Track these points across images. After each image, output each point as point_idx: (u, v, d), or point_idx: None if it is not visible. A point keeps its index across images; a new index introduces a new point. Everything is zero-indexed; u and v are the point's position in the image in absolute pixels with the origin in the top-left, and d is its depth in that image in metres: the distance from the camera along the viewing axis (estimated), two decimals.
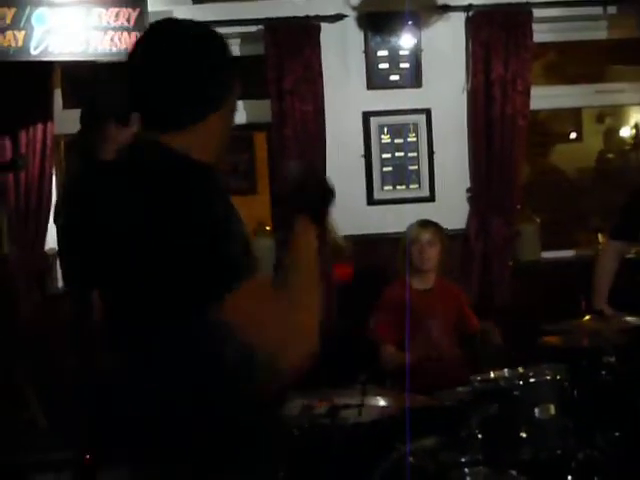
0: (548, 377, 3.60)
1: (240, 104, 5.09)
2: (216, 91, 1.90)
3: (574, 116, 7.61)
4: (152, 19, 4.61)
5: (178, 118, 1.87)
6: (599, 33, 5.27)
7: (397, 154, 5.11)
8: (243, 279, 1.70)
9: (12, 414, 4.47)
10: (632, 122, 7.41)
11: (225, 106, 1.92)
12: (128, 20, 4.61)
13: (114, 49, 4.60)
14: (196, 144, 1.87)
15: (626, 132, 7.50)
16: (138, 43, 1.93)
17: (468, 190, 5.11)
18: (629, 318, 3.97)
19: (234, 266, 1.72)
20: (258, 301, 1.74)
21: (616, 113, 7.53)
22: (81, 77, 5.27)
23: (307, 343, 1.79)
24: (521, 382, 3.56)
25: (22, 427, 4.52)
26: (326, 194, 2.05)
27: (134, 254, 1.78)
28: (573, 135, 7.95)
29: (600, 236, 5.06)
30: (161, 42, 1.90)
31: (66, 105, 5.05)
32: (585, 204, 7.01)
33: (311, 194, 2.03)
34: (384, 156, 5.07)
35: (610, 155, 7.82)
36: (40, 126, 4.83)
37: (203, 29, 1.96)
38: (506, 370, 3.69)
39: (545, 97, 5.31)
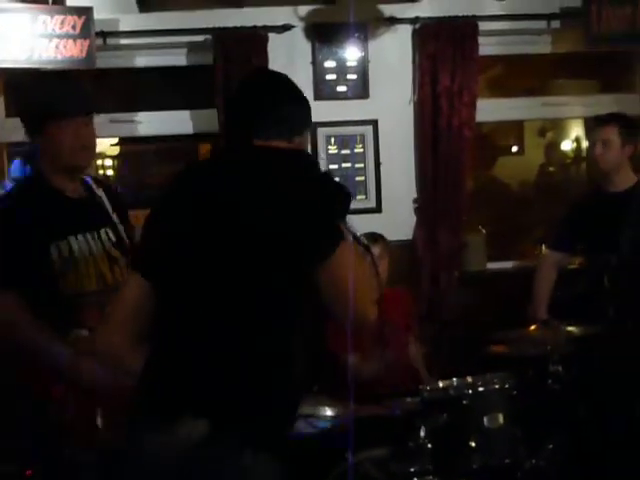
0: (497, 386, 3.62)
1: (186, 114, 5.10)
2: (307, 119, 2.42)
3: (516, 129, 7.69)
4: (98, 27, 4.66)
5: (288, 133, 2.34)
6: (543, 47, 5.33)
7: (344, 165, 5.13)
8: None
9: None
10: (573, 136, 7.51)
11: (305, 132, 2.42)
12: (74, 27, 4.56)
13: (59, 56, 4.55)
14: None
15: (567, 146, 7.60)
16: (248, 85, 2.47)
17: (415, 201, 5.13)
18: (571, 328, 3.98)
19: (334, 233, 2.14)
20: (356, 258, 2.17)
21: (557, 127, 7.62)
22: (24, 85, 5.19)
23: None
24: (470, 391, 3.58)
25: None
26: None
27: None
28: (515, 148, 8.04)
29: (543, 247, 5.10)
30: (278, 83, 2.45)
31: (9, 113, 4.97)
32: (528, 216, 7.07)
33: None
34: (331, 167, 5.05)
35: (551, 168, 7.91)
36: None
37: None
38: (455, 379, 3.66)
39: (490, 110, 5.35)
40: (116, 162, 7.42)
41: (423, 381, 4.00)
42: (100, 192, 3.21)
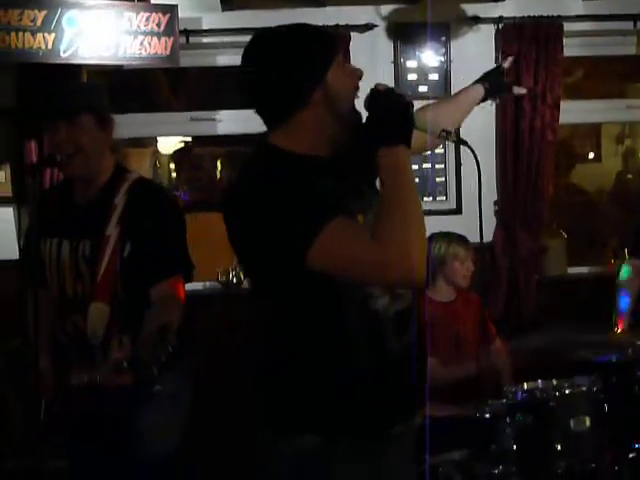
0: (584, 389, 3.63)
1: None
2: (294, 91, 2.11)
3: (594, 136, 7.58)
4: (182, 25, 4.69)
5: (268, 118, 2.19)
6: (629, 48, 5.27)
7: (424, 165, 5.09)
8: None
9: None
10: None
11: (313, 102, 2.11)
12: (158, 25, 4.58)
13: (143, 53, 4.58)
14: (292, 138, 2.15)
15: None
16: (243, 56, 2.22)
17: (495, 203, 5.07)
18: None
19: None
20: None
21: (635, 134, 7.51)
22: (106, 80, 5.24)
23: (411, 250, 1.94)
24: (557, 393, 3.57)
25: None
26: (407, 107, 2.11)
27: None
28: (592, 155, 7.95)
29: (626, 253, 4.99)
30: (249, 57, 2.18)
31: None
32: (604, 224, 6.98)
33: (397, 112, 2.09)
34: None
35: (629, 176, 7.79)
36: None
37: (282, 38, 2.17)
38: (540, 381, 3.67)
39: (572, 112, 5.27)
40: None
41: (505, 383, 3.93)
42: (122, 199, 2.98)
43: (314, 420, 2.19)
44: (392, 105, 2.10)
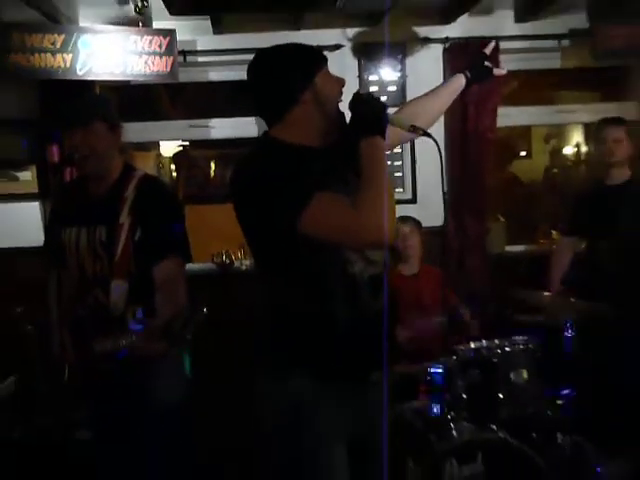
0: (521, 347, 3.65)
1: (252, 120, 5.13)
2: (288, 91, 2.24)
3: (525, 137, 7.69)
4: (180, 46, 4.72)
5: (268, 116, 2.32)
6: (554, 63, 5.29)
7: None
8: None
9: None
10: (574, 142, 7.51)
11: (304, 101, 2.24)
12: (160, 46, 4.62)
13: (147, 70, 4.61)
14: (288, 132, 2.26)
15: (569, 150, 7.60)
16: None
17: (445, 194, 5.06)
18: (578, 301, 4.01)
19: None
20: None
21: (560, 135, 7.62)
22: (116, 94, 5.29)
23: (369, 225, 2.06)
24: (499, 351, 3.61)
25: None
26: (382, 107, 2.23)
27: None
28: (524, 153, 8.05)
29: (554, 234, 5.13)
30: (254, 68, 2.29)
31: None
32: (537, 209, 7.07)
33: (374, 111, 2.21)
34: None
35: (555, 170, 7.91)
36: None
37: (277, 52, 2.30)
38: (484, 341, 3.70)
39: (508, 116, 5.31)
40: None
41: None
42: (131, 193, 2.99)
43: (304, 367, 2.25)
44: (370, 105, 2.21)
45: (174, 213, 3.06)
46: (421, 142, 4.99)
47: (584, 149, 7.37)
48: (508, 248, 5.49)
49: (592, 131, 4.45)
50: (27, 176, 4.95)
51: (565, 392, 3.87)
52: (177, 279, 2.90)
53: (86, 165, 2.99)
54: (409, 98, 4.97)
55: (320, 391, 2.24)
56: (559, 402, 3.80)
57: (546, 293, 4.20)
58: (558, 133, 7.63)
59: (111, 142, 3.02)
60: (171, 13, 4.26)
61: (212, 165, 7.71)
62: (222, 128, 5.22)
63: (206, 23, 4.85)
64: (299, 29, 4.95)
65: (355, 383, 2.32)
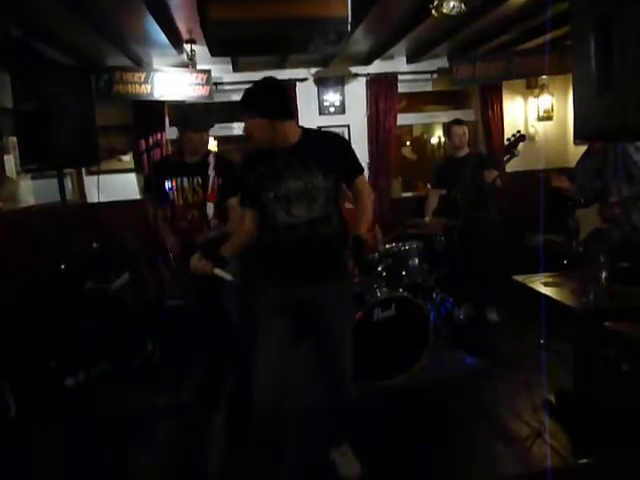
0: (415, 246, 3.65)
1: None
2: (287, 109, 2.12)
3: (409, 132, 7.61)
4: (214, 79, 4.57)
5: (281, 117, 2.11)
6: (428, 86, 5.23)
7: None
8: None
9: None
10: (437, 134, 7.44)
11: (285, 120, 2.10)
12: (202, 79, 4.51)
13: (195, 94, 4.49)
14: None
15: (434, 140, 7.54)
16: (257, 87, 2.11)
17: (368, 165, 5.06)
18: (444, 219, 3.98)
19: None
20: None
21: (429, 131, 7.55)
22: (178, 110, 5.10)
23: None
24: (403, 248, 3.62)
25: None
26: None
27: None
28: (408, 142, 7.97)
29: (427, 186, 5.10)
30: (254, 91, 2.09)
31: (171, 123, 4.88)
32: (415, 172, 7.01)
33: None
34: None
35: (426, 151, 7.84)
36: (159, 133, 4.69)
37: (271, 81, 2.14)
38: (394, 244, 3.65)
39: (402, 119, 5.22)
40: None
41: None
42: (211, 160, 2.96)
43: (260, 270, 2.19)
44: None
45: (232, 171, 2.96)
46: (354, 135, 5.03)
47: (443, 139, 7.30)
48: (403, 194, 5.47)
49: (446, 128, 4.36)
50: (127, 158, 4.85)
51: (438, 270, 3.92)
52: (236, 207, 2.68)
53: (200, 150, 2.95)
54: (347, 109, 5.02)
55: (265, 282, 2.18)
56: (433, 277, 3.82)
57: (425, 218, 4.15)
58: (427, 130, 7.55)
59: (207, 137, 3.00)
60: (212, 55, 4.05)
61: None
62: (239, 129, 5.06)
63: (228, 66, 4.74)
64: (285, 68, 4.80)
65: (285, 278, 2.15)
